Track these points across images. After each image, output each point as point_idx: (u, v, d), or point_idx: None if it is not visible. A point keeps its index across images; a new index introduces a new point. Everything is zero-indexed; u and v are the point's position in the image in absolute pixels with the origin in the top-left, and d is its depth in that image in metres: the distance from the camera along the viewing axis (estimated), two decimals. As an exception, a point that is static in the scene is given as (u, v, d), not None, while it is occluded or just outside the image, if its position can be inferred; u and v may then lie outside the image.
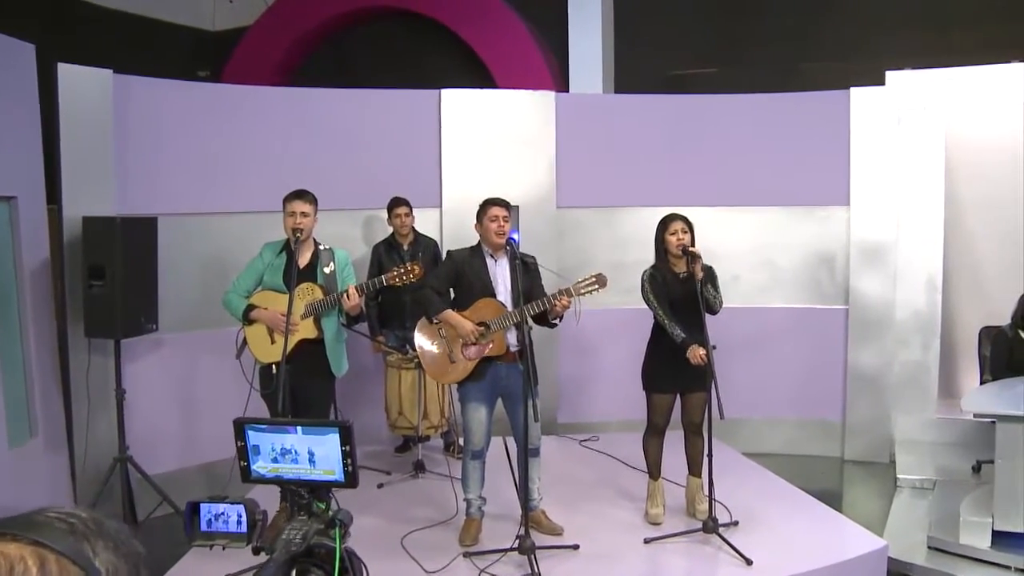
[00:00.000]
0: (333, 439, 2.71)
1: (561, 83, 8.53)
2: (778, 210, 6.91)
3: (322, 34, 9.76)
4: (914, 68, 6.58)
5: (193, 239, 5.88)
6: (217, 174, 5.99)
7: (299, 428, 2.75)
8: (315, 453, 2.73)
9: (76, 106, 5.26)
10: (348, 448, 2.71)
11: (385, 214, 6.22)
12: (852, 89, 6.65)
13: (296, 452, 2.74)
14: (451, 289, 4.75)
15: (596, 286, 4.58)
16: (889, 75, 6.59)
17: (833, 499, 5.70)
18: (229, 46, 9.75)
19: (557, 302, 4.53)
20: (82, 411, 5.26)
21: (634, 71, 8.69)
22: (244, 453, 2.78)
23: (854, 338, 6.73)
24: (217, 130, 6.00)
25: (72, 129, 5.24)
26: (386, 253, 6.15)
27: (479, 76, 8.69)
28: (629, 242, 6.75)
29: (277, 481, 2.80)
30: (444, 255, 4.84)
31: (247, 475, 2.81)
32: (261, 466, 2.77)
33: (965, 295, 6.81)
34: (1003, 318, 6.04)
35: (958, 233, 6.69)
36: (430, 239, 6.35)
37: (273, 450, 2.75)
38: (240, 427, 2.78)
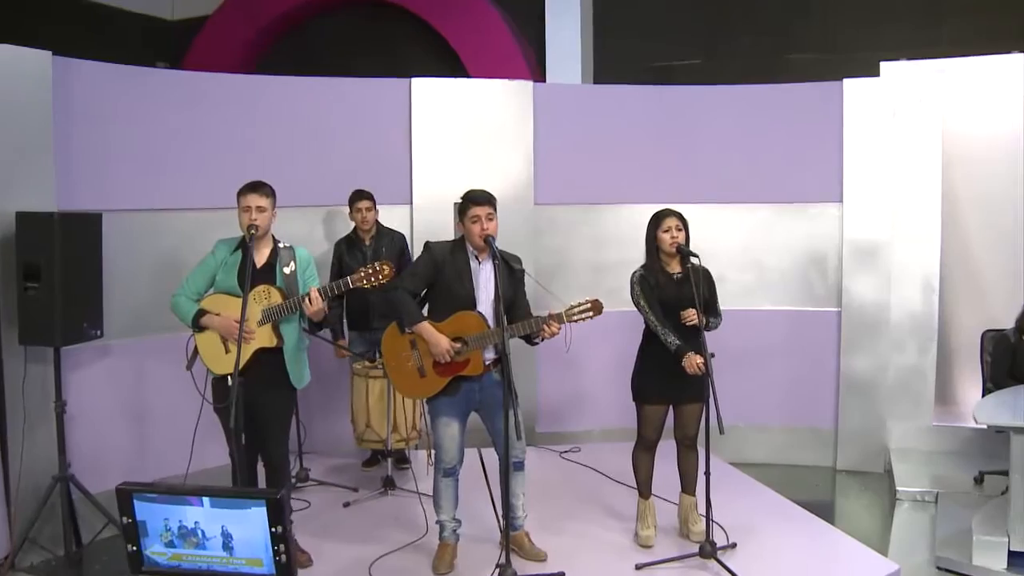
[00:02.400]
0: (258, 516, 1.99)
1: (537, 74, 8.26)
2: (767, 208, 6.70)
3: (287, 23, 9.55)
4: (910, 59, 6.39)
5: (142, 237, 5.52)
6: (168, 167, 5.63)
7: (206, 500, 2.07)
8: (232, 535, 2.05)
9: (9, 90, 4.83)
10: (280, 528, 2.01)
11: (347, 209, 5.88)
12: (845, 80, 6.46)
13: (204, 533, 2.07)
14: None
15: (591, 313, 4.24)
16: (884, 66, 6.39)
17: (827, 511, 5.49)
18: (188, 36, 9.45)
19: (546, 328, 4.19)
20: (17, 426, 4.85)
21: (614, 61, 8.48)
22: (133, 534, 2.11)
23: (847, 342, 6.50)
24: (168, 119, 5.64)
25: (5, 115, 4.82)
26: (347, 251, 5.83)
27: (450, 66, 8.45)
28: (610, 241, 6.62)
29: (177, 572, 2.12)
30: (422, 248, 4.41)
31: (138, 564, 2.16)
32: (157, 552, 2.09)
33: (963, 297, 6.62)
34: (1003, 320, 5.85)
35: (956, 232, 6.51)
36: (395, 232, 6.03)
37: (168, 529, 2.08)
38: (126, 497, 2.10)
